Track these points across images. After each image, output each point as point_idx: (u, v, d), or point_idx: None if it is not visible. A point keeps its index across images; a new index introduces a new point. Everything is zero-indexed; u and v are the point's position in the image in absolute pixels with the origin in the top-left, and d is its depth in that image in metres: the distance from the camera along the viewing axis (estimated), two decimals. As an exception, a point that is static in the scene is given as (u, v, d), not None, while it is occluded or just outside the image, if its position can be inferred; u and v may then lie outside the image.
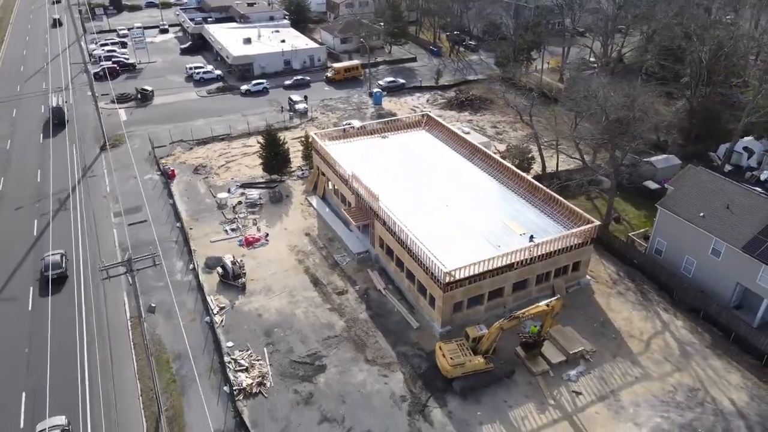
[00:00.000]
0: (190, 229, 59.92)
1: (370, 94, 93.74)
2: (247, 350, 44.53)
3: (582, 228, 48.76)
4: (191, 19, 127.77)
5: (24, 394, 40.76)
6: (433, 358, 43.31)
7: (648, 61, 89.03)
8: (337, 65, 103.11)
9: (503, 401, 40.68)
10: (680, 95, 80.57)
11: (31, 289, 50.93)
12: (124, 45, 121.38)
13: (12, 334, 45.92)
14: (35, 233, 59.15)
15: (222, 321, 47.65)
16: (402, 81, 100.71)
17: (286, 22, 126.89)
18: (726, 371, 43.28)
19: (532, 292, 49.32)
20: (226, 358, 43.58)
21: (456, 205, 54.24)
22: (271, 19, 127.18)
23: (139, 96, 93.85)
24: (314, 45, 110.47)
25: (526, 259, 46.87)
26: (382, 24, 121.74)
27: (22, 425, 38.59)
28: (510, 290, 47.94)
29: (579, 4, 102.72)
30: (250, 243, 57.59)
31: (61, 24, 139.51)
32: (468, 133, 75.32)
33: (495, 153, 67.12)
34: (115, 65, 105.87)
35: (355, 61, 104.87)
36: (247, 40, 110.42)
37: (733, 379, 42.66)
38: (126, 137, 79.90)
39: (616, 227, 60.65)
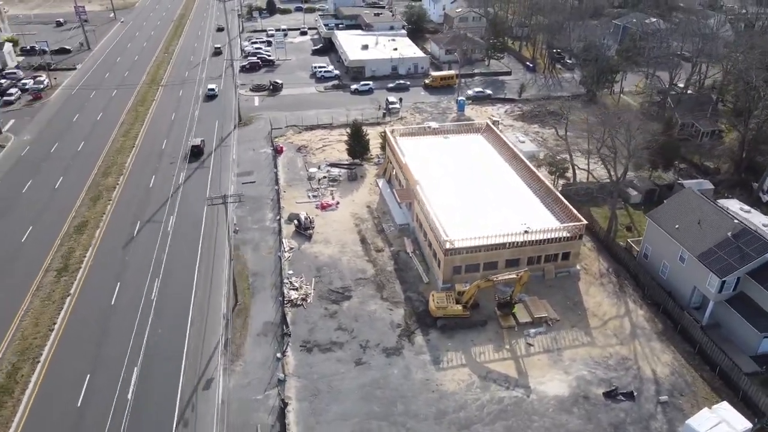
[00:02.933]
0: (284, 192, 79.31)
1: (457, 101, 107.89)
2: (301, 277, 62.31)
3: (567, 225, 60.24)
4: (325, 25, 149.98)
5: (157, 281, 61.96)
6: (429, 304, 57.88)
7: (721, 90, 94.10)
8: (434, 73, 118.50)
9: (471, 340, 54.27)
10: (735, 126, 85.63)
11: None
12: (269, 44, 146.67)
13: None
14: (181, 181, 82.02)
15: (289, 257, 65.94)
16: (489, 92, 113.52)
17: (403, 32, 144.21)
18: (661, 352, 52.98)
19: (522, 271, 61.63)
20: (285, 280, 61.68)
21: (483, 195, 67.69)
22: (391, 28, 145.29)
23: (271, 87, 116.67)
24: (420, 54, 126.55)
25: (516, 242, 59.52)
26: (490, 39, 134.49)
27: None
28: (504, 265, 60.78)
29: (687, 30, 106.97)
30: (324, 207, 75.52)
31: (222, 30, 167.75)
32: (523, 141, 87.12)
33: (533, 160, 78.77)
34: (258, 60, 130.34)
35: (451, 71, 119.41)
36: (365, 47, 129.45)
37: (665, 358, 52.32)
38: (255, 119, 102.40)
39: (626, 234, 69.97)
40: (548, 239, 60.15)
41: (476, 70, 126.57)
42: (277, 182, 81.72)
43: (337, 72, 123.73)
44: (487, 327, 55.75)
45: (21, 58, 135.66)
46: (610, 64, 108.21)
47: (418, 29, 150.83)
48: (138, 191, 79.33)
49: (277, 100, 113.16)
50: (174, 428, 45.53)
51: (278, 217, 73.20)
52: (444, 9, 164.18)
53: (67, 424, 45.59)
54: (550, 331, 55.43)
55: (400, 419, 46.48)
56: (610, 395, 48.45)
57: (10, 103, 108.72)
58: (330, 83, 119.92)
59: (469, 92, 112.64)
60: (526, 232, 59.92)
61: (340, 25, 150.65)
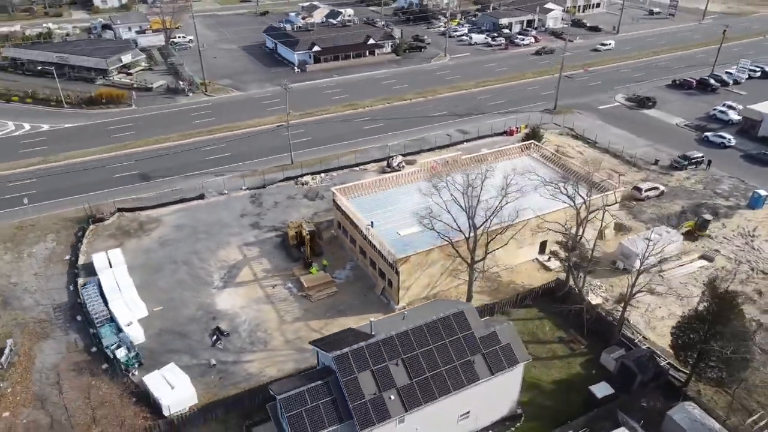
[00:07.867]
0: (442, 150, 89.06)
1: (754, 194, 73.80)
2: (326, 176, 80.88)
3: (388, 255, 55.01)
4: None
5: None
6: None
7: None
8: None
9: (271, 256, 64.13)
10: None
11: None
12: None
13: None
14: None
15: (346, 172, 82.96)
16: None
17: None
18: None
19: (367, 266, 60.43)
20: (315, 175, 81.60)
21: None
22: None
23: (641, 101, 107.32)
24: None
25: (362, 233, 58.90)
26: None
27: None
28: (358, 250, 61.35)
29: None
30: (431, 168, 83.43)
31: None
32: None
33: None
34: (693, 81, 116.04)
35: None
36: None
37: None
38: (567, 113, 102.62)
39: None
40: (375, 248, 56.43)
41: None
42: (453, 143, 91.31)
43: (732, 118, 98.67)
44: (296, 264, 62.30)
45: (564, 25, 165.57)
46: None
47: None
48: (336, 125, 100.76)
49: (622, 111, 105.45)
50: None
51: (394, 155, 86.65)
52: None
53: None
54: (296, 296, 57.91)
55: (198, 228, 68.98)
56: (217, 332, 52.77)
57: (489, 45, 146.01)
58: (702, 122, 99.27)
59: (814, 203, 72.61)
60: (367, 227, 57.91)
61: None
